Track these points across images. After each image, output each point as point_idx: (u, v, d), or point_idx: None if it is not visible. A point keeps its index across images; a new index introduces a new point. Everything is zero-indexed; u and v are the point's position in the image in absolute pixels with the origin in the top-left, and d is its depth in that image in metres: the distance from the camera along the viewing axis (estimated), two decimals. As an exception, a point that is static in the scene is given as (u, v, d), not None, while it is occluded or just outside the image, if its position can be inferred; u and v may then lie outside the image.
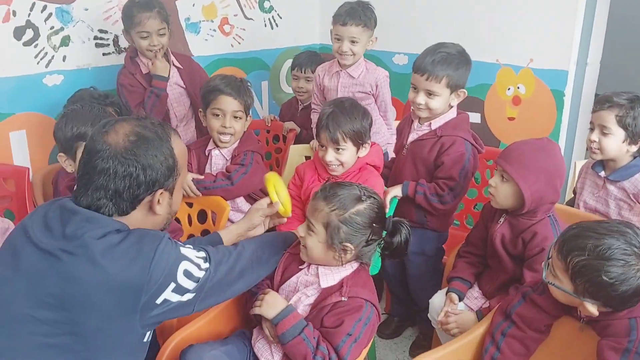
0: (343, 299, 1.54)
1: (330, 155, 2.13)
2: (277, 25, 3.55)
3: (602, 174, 2.11)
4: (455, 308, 1.90)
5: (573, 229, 1.41)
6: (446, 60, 2.09)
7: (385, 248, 1.63)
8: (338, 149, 2.12)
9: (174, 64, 2.76)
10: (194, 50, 3.23)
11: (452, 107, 2.19)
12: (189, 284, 1.33)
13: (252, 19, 3.51)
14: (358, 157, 2.17)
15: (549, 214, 1.81)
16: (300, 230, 1.62)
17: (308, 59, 3.15)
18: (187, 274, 1.33)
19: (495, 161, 1.84)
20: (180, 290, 1.31)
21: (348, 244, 1.55)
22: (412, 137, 2.27)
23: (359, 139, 2.13)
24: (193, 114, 2.86)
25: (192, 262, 1.35)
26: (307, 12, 3.25)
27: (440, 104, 2.14)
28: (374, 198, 1.61)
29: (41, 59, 2.65)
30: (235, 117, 2.35)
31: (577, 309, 1.46)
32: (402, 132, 2.35)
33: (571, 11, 2.78)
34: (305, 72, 3.12)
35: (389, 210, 2.25)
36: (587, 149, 2.16)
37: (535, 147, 1.80)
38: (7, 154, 2.63)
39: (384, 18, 3.47)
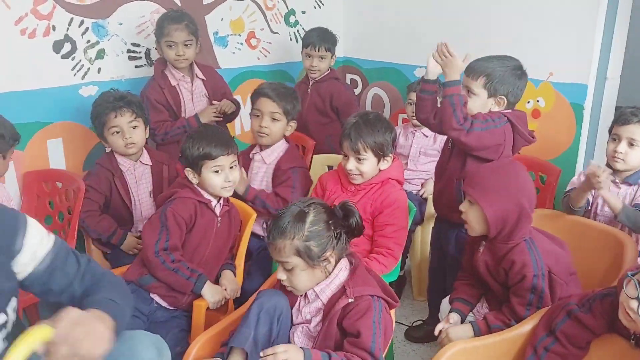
0: (350, 300, 1.58)
1: (351, 164, 2.22)
2: (301, 39, 3.64)
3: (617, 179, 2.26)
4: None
5: None
6: (488, 60, 2.19)
7: (347, 232, 1.65)
8: (359, 159, 2.20)
9: (197, 76, 2.90)
10: (221, 63, 3.34)
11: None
12: None
13: (277, 33, 3.62)
14: (380, 169, 2.24)
15: (524, 237, 1.83)
16: (281, 275, 1.64)
17: (321, 37, 3.24)
18: None
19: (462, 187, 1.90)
20: None
21: (325, 253, 1.60)
22: None
23: (380, 150, 2.20)
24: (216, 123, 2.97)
25: None
26: (332, 27, 3.35)
27: (477, 105, 2.20)
28: (312, 202, 1.65)
29: (78, 71, 2.79)
30: (273, 119, 2.46)
31: (627, 328, 1.49)
32: None
33: (591, 25, 2.82)
34: (318, 51, 3.21)
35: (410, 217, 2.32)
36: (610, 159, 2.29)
37: (495, 168, 1.90)
38: (44, 161, 2.76)
39: (406, 31, 3.57)
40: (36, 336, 1.11)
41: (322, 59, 3.23)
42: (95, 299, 1.34)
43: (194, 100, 2.88)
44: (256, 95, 2.51)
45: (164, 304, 2.03)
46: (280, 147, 2.56)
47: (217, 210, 2.12)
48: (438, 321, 2.53)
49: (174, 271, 1.96)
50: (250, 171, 2.57)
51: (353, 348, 1.54)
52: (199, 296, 2.00)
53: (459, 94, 2.12)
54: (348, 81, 4.00)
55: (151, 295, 2.03)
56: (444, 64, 2.19)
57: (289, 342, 1.70)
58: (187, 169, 2.09)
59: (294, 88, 3.45)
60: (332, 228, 1.62)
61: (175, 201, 2.04)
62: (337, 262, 1.66)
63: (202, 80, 2.91)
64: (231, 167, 2.08)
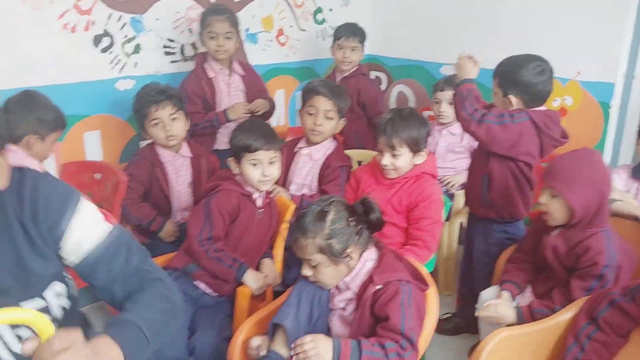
0: (378, 287, 1.62)
1: (386, 160, 2.26)
2: (330, 36, 3.69)
3: None
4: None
5: None
6: (507, 60, 2.24)
7: (368, 227, 1.69)
8: (394, 154, 2.25)
9: (236, 71, 2.96)
10: (251, 59, 3.40)
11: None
12: None
13: (305, 30, 3.68)
14: (414, 164, 2.29)
15: (603, 227, 1.88)
16: (306, 272, 1.68)
17: (352, 29, 3.29)
18: None
19: (542, 180, 1.93)
20: None
21: (346, 249, 1.64)
22: None
23: (415, 145, 2.25)
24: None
25: None
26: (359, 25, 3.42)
27: (497, 104, 2.28)
28: (332, 200, 1.68)
29: (115, 65, 2.86)
30: (327, 117, 2.52)
31: None
32: None
33: (619, 24, 2.86)
34: (351, 41, 3.26)
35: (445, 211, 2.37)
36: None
37: (577, 158, 1.90)
38: (80, 153, 2.82)
39: (433, 29, 3.61)
40: (35, 321, 0.98)
41: (353, 50, 3.26)
42: (121, 319, 1.15)
43: (230, 93, 2.95)
44: (310, 93, 2.55)
45: (208, 291, 2.09)
46: (329, 145, 2.62)
47: (259, 203, 2.18)
48: (467, 313, 2.60)
49: (217, 260, 2.02)
50: (295, 165, 2.62)
51: (384, 332, 1.57)
52: (242, 284, 2.06)
53: (469, 88, 2.21)
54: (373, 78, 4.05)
55: (196, 282, 2.09)
56: (456, 67, 2.29)
57: (328, 327, 1.75)
58: (231, 158, 2.15)
59: None
60: (353, 225, 1.65)
61: (219, 193, 2.09)
62: (360, 256, 1.69)
63: (241, 76, 2.97)
64: (270, 163, 2.11)
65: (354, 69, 3.32)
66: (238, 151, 2.11)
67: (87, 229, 1.24)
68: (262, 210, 2.19)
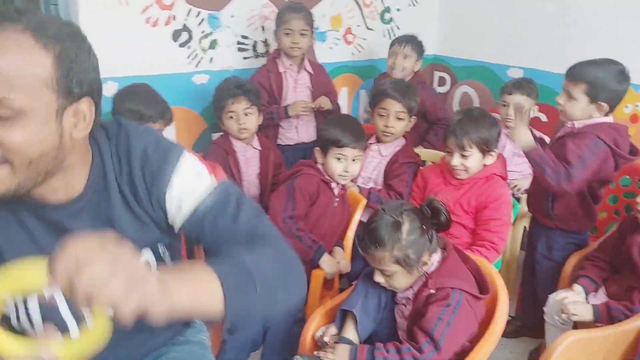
0: (431, 291, 1.65)
1: (456, 160, 2.28)
2: (395, 35, 3.72)
3: None
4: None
5: None
6: (590, 65, 2.21)
7: (436, 228, 1.71)
8: (464, 155, 2.27)
9: (305, 69, 3.04)
10: (318, 58, 3.46)
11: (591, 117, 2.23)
12: None
13: (372, 30, 3.72)
14: (484, 164, 2.30)
15: None
16: (378, 279, 1.71)
17: (408, 37, 3.31)
18: None
19: None
20: None
21: (422, 257, 1.66)
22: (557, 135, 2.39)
23: (485, 146, 2.26)
24: (314, 115, 3.11)
25: None
26: (424, 24, 3.45)
27: (577, 110, 2.22)
28: (402, 210, 1.68)
29: (192, 59, 2.98)
30: (398, 119, 2.57)
31: None
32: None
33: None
34: (404, 48, 3.27)
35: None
36: None
37: None
38: (155, 143, 2.95)
39: (501, 30, 3.59)
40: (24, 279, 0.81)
41: (405, 57, 3.27)
42: (230, 260, 0.96)
43: (296, 89, 3.02)
44: (381, 96, 2.60)
45: None
46: (398, 142, 2.67)
47: (336, 191, 2.27)
48: (528, 316, 2.61)
49: (298, 238, 2.12)
50: (364, 159, 2.68)
51: (416, 329, 1.61)
52: (317, 266, 2.14)
53: (538, 153, 2.17)
54: (436, 79, 4.06)
55: None
56: (512, 135, 2.23)
57: (394, 318, 1.80)
58: (317, 148, 2.26)
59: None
60: (425, 230, 1.67)
61: (302, 176, 2.22)
62: (430, 259, 1.71)
63: (310, 74, 3.04)
64: (354, 160, 2.22)
65: (409, 76, 3.32)
66: (326, 143, 2.23)
67: (189, 185, 1.09)
68: (338, 200, 2.28)
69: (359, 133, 2.24)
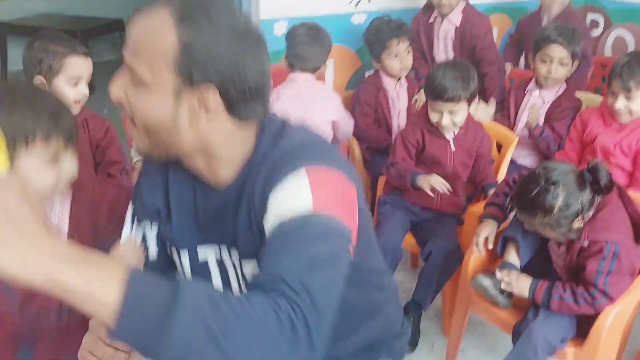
0: (584, 244, 1.70)
1: (620, 103, 2.28)
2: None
3: None
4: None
5: None
6: None
7: (597, 192, 1.70)
8: (629, 97, 2.27)
9: (451, 22, 3.08)
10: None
11: None
12: None
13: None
14: (645, 107, 2.29)
15: None
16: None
17: None
18: None
19: None
20: None
21: (573, 224, 1.69)
22: None
23: (648, 89, 2.25)
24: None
25: None
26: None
27: None
28: (558, 177, 1.67)
29: (352, 0, 3.14)
30: (562, 64, 2.60)
31: None
32: None
33: None
34: None
35: None
36: None
37: None
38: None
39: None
40: None
41: None
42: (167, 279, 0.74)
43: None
44: (545, 41, 2.60)
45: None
46: (560, 86, 2.70)
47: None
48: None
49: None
50: (523, 105, 2.75)
51: (582, 281, 1.72)
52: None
53: None
54: (588, 21, 3.90)
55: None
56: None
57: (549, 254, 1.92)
58: None
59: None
60: (580, 197, 1.67)
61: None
62: None
63: (455, 27, 3.09)
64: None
65: (563, 8, 3.23)
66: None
67: (284, 204, 0.92)
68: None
69: (569, 34, 2.47)
